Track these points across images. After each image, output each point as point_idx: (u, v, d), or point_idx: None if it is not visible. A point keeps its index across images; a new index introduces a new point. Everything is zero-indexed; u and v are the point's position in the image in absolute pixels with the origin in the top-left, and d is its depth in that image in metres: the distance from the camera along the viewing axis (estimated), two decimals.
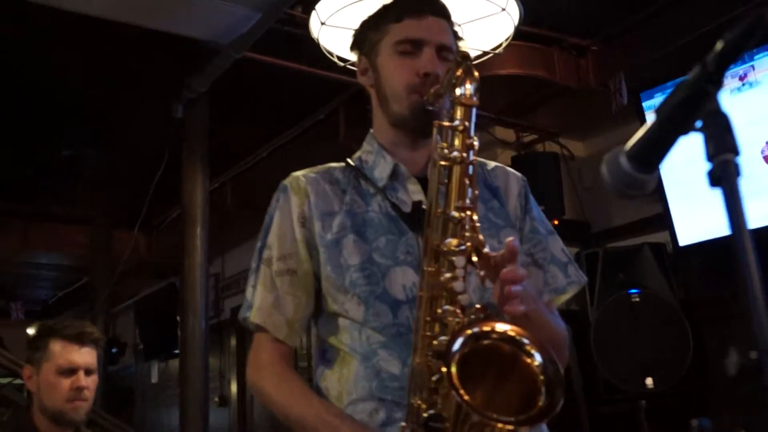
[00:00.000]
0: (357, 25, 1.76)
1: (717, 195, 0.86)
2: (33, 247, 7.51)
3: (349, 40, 1.77)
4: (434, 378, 1.34)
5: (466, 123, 1.43)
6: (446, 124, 1.45)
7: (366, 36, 1.70)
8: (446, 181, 1.41)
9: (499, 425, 1.19)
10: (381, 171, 1.64)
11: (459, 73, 1.44)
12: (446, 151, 1.42)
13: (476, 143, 1.44)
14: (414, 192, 1.62)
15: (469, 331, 1.25)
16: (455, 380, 1.18)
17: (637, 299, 4.01)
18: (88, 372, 2.46)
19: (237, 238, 7.05)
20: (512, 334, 1.25)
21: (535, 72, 4.36)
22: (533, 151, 5.03)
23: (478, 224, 1.40)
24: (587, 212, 5.03)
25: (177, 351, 7.42)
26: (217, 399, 7.07)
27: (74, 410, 2.41)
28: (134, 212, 4.92)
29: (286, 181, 1.67)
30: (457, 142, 1.42)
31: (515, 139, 5.04)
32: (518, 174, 1.73)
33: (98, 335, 2.55)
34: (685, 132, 0.91)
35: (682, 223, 4.05)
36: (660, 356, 3.90)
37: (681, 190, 4.00)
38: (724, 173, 0.85)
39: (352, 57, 1.78)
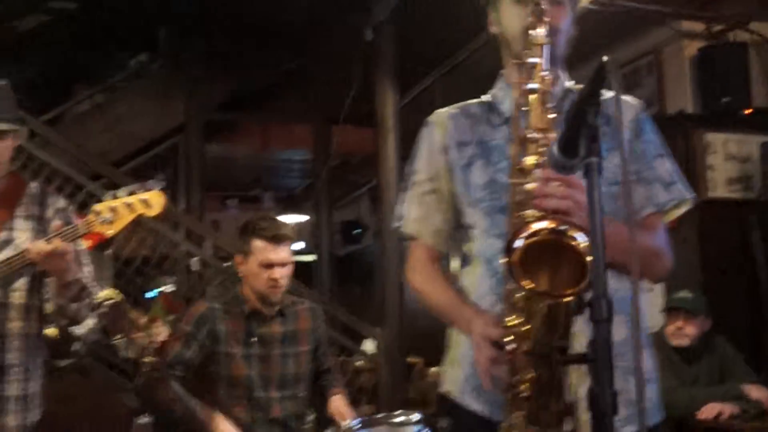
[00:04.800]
0: None
1: None
2: (272, 144, 8.62)
3: None
4: None
5: (540, 60, 1.62)
6: (522, 61, 1.65)
7: None
8: (526, 107, 1.62)
9: (560, 299, 1.37)
10: (507, 105, 1.86)
11: (532, 18, 1.62)
12: (525, 83, 1.63)
13: (549, 76, 1.63)
14: None
15: (528, 230, 1.42)
16: (516, 270, 1.38)
17: None
18: (282, 265, 3.07)
19: None
20: (554, 225, 1.41)
21: None
22: (720, 42, 5.01)
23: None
24: None
25: None
26: None
27: (273, 293, 3.06)
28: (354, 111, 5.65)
29: (431, 118, 1.97)
30: (533, 75, 1.62)
31: (704, 30, 5.04)
32: (635, 102, 1.89)
33: (291, 235, 3.12)
34: (578, 136, 1.29)
35: None
36: None
37: None
38: (588, 172, 1.25)
39: None
